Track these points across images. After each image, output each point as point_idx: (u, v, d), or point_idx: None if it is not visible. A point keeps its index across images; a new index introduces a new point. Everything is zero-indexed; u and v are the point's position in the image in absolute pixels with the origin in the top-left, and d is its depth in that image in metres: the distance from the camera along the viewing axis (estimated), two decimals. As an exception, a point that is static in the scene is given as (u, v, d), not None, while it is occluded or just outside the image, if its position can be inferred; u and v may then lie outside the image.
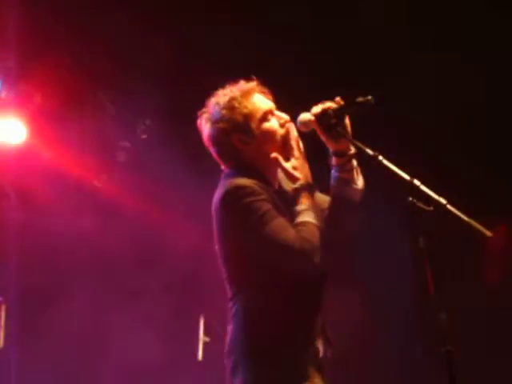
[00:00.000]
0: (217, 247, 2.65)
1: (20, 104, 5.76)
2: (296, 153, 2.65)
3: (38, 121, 5.80)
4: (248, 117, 2.63)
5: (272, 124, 2.67)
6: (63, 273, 5.91)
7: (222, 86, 2.74)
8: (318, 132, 2.71)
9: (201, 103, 2.81)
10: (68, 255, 5.92)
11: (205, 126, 2.71)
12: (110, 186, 5.93)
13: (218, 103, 2.67)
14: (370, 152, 2.64)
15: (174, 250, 5.79)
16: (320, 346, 2.60)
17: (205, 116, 2.72)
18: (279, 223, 2.50)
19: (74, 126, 5.84)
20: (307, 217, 2.54)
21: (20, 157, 5.85)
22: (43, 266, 5.88)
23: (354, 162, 2.81)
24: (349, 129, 2.75)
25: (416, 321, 5.70)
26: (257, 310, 2.56)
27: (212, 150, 2.73)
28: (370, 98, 2.61)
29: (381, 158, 2.61)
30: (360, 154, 2.73)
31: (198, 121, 2.75)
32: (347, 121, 2.74)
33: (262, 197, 2.53)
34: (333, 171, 2.81)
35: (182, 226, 5.81)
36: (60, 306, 5.69)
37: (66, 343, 5.69)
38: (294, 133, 2.69)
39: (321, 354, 2.60)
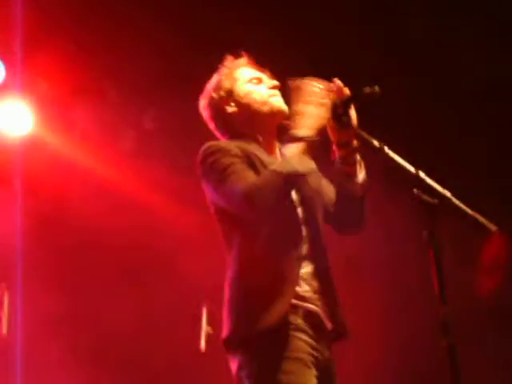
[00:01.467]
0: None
1: (25, 91, 5.72)
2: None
3: (44, 108, 5.78)
4: (233, 83, 2.74)
5: (256, 87, 2.74)
6: (71, 260, 5.90)
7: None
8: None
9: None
10: (75, 243, 5.88)
11: (202, 106, 2.84)
12: (115, 174, 5.88)
13: (211, 81, 2.84)
14: (375, 143, 2.62)
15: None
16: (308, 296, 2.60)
17: (202, 97, 2.85)
18: (238, 174, 2.53)
19: (80, 113, 5.78)
20: (275, 165, 2.55)
21: (26, 145, 5.82)
22: (49, 253, 5.86)
23: (358, 156, 2.78)
24: (355, 119, 2.72)
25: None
26: (238, 259, 2.62)
27: (211, 127, 2.84)
28: (376, 88, 2.56)
29: (386, 149, 2.59)
30: (365, 146, 2.69)
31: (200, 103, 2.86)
32: (353, 111, 2.71)
33: (231, 153, 2.58)
34: (335, 164, 2.78)
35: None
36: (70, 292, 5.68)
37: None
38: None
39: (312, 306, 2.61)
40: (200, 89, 2.91)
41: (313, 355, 2.57)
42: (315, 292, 2.64)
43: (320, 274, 2.67)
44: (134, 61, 5.56)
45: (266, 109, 2.72)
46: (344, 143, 2.72)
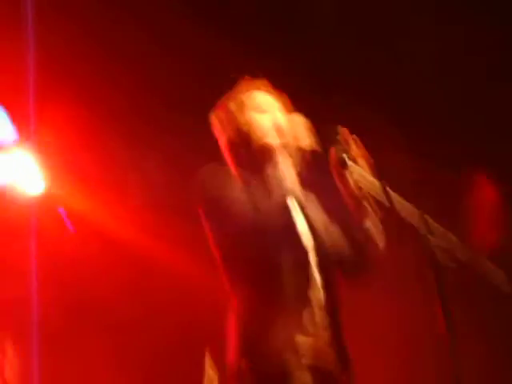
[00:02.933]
0: None
1: (38, 151, 5.65)
2: None
3: (57, 167, 5.71)
4: (238, 108, 2.75)
5: (259, 116, 2.73)
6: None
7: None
8: None
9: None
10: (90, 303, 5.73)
11: (211, 119, 2.85)
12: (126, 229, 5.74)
13: (222, 98, 2.83)
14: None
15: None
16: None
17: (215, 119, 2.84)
18: None
19: (93, 170, 5.68)
20: None
21: (40, 205, 5.73)
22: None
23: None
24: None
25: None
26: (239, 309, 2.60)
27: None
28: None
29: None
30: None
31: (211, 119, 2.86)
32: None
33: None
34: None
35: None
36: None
37: None
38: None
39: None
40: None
41: None
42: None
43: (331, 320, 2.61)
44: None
45: (260, 145, 2.72)
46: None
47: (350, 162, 2.58)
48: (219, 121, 2.79)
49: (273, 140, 2.71)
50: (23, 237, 5.71)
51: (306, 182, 2.76)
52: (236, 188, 2.62)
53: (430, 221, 2.33)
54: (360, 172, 2.57)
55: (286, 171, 2.63)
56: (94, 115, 5.50)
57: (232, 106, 2.78)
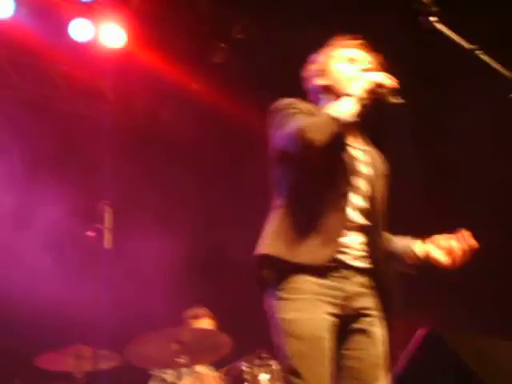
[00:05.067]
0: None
1: (118, 7, 5.78)
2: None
3: (136, 24, 5.81)
4: (328, 60, 2.98)
5: (348, 66, 2.93)
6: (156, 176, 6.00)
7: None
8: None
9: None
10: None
11: (303, 74, 3.07)
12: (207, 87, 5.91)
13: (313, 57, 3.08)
14: (468, 46, 2.54)
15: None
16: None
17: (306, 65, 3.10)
18: (299, 118, 2.74)
19: (171, 28, 5.80)
20: (327, 108, 2.75)
21: (119, 60, 5.91)
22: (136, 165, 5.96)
23: None
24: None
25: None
26: (281, 202, 2.76)
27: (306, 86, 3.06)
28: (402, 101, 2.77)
29: (480, 52, 2.52)
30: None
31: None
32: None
33: (301, 106, 2.81)
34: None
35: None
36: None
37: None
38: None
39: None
40: None
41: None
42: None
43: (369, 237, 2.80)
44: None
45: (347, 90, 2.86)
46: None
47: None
48: (307, 73, 3.03)
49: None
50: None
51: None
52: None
53: None
54: None
55: None
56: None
57: (322, 58, 3.01)
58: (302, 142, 2.60)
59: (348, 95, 2.74)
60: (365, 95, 2.73)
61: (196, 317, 5.01)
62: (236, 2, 5.61)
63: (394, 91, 2.74)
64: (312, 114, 2.77)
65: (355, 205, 2.75)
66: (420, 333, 4.01)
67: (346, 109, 2.71)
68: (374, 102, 2.78)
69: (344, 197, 2.73)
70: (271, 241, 2.69)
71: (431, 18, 2.58)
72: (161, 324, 4.72)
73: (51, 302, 5.20)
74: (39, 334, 5.21)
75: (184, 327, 4.93)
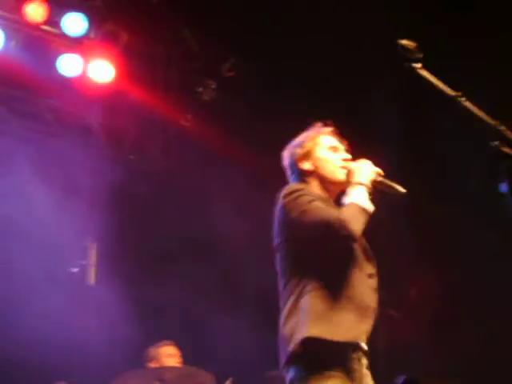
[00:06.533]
0: (275, 242, 3.05)
1: (107, 44, 5.79)
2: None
3: (125, 60, 5.83)
4: (315, 146, 3.21)
5: (332, 155, 3.19)
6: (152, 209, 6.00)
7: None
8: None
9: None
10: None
11: (284, 155, 3.29)
12: (196, 124, 5.92)
13: (298, 138, 3.30)
14: (451, 93, 2.55)
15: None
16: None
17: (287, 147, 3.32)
18: (322, 207, 2.94)
19: (160, 64, 5.82)
20: (353, 198, 2.96)
21: (108, 96, 5.91)
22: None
23: None
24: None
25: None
26: (312, 286, 2.90)
27: (287, 174, 3.27)
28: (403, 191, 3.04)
29: (463, 99, 2.52)
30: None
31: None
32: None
33: (311, 193, 3.03)
34: None
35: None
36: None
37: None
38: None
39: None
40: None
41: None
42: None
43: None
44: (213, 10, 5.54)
45: (333, 177, 3.15)
46: None
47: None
48: (292, 155, 3.21)
49: (342, 175, 3.13)
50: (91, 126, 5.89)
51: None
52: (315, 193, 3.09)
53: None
54: None
55: None
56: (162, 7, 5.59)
57: (309, 144, 3.21)
58: (345, 232, 2.83)
59: (360, 184, 2.98)
60: (371, 185, 2.99)
61: (169, 355, 4.96)
62: (224, 40, 5.63)
63: (397, 181, 2.99)
64: (324, 201, 3.00)
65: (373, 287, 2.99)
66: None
67: (364, 198, 2.94)
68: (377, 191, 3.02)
69: (370, 277, 2.98)
70: (313, 323, 2.79)
71: (414, 65, 2.61)
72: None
73: (37, 339, 5.13)
74: (24, 371, 5.15)
75: (167, 366, 4.88)
